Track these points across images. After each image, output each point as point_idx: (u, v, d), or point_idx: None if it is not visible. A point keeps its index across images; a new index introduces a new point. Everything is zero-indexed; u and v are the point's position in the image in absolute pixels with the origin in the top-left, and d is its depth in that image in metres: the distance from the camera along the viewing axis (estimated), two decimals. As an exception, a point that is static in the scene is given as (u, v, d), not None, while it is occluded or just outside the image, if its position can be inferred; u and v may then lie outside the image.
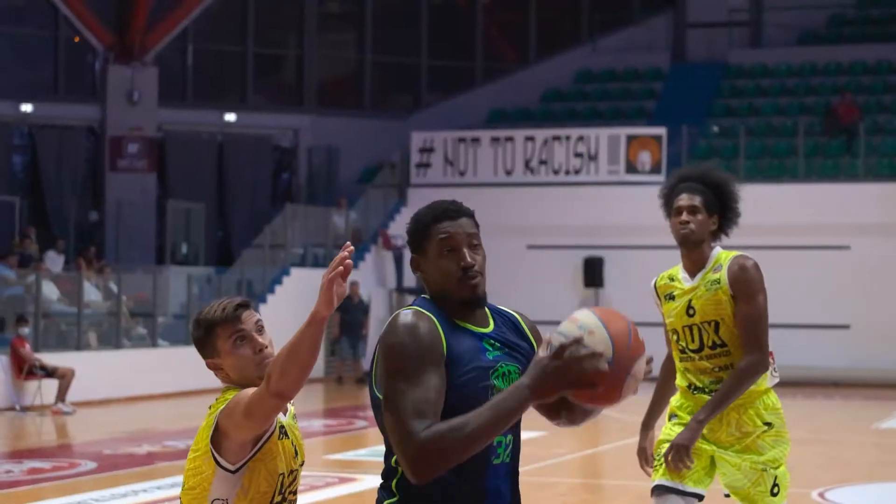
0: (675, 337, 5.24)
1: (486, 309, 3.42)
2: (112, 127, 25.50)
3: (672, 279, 5.29)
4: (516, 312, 3.51)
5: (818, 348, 23.10)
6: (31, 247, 21.50)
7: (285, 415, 3.73)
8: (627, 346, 3.03)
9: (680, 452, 5.01)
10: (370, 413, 19.18)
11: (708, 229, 5.18)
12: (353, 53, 29.80)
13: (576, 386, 2.99)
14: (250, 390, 3.51)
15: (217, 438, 3.56)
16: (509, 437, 3.31)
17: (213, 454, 3.56)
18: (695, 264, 5.21)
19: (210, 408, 3.65)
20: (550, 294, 24.02)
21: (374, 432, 13.25)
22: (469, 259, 3.33)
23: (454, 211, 3.38)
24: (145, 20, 25.38)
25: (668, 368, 5.36)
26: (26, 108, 25.17)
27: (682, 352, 5.22)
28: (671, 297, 5.26)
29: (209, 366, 3.74)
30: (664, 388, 5.39)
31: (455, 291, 3.32)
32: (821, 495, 10.42)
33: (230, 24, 28.07)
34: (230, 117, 27.24)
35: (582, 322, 3.05)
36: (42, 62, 26.04)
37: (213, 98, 27.82)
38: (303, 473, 3.79)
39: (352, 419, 16.69)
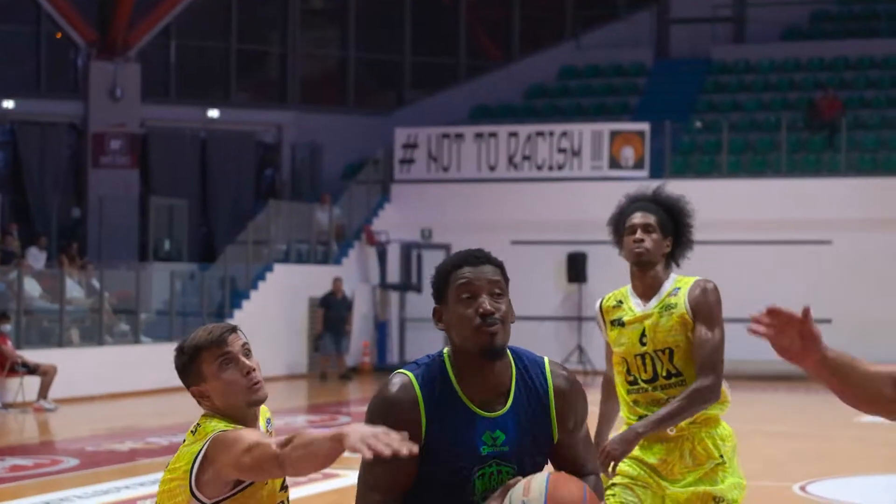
0: (624, 367, 4.87)
1: (514, 367, 3.28)
2: (94, 123, 25.43)
3: (621, 302, 4.93)
4: (550, 369, 3.34)
5: (801, 343, 23.15)
6: (13, 243, 21.42)
7: (270, 424, 3.68)
8: None
9: (606, 460, 4.67)
10: (353, 409, 19.08)
11: (662, 251, 4.84)
12: (337, 50, 29.76)
13: None
14: (255, 434, 3.39)
15: (202, 467, 3.42)
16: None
17: (190, 484, 3.43)
18: (648, 287, 4.86)
19: (191, 434, 3.52)
20: (534, 289, 24.03)
21: (358, 428, 13.17)
22: (488, 306, 3.18)
23: (476, 257, 3.26)
24: (128, 16, 25.31)
25: (609, 389, 5.06)
26: (8, 104, 25.07)
27: (633, 383, 4.85)
28: (620, 324, 4.88)
29: (194, 394, 3.61)
30: (608, 406, 5.07)
31: (472, 340, 3.19)
32: (802, 489, 10.46)
33: (213, 21, 28.00)
34: (213, 113, 27.17)
35: (532, 497, 3.13)
36: (24, 58, 25.95)
37: (197, 94, 27.74)
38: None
39: (335, 415, 16.67)
